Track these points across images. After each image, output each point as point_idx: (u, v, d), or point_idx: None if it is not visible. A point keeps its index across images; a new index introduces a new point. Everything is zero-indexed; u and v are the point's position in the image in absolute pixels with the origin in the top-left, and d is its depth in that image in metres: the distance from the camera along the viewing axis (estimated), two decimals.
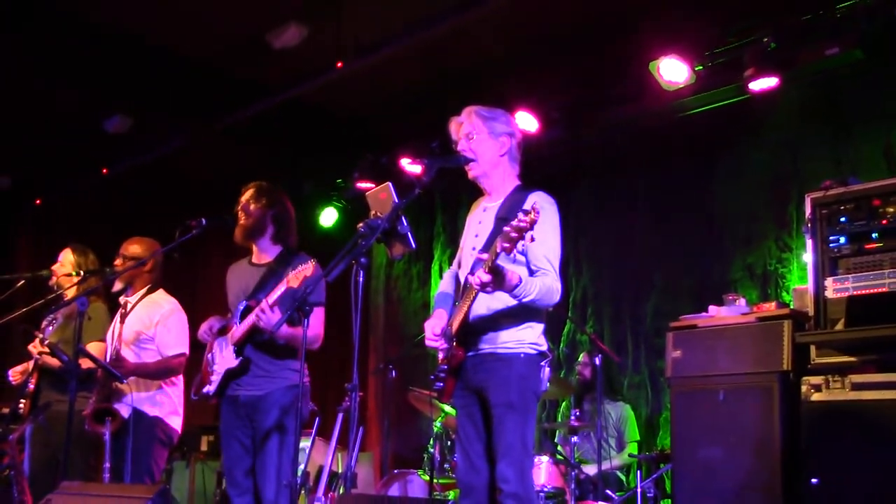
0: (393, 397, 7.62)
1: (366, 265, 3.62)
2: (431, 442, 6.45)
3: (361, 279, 3.59)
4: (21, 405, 5.54)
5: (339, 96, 7.89)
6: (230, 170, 8.64)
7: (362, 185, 8.14)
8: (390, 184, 4.05)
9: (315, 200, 9.19)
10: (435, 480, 6.25)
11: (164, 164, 8.72)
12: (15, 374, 5.66)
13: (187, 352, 5.33)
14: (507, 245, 3.36)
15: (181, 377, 5.40)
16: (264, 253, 4.82)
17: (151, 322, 5.28)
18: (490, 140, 3.94)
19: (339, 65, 7.04)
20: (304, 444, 6.16)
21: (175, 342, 5.28)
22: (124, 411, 5.10)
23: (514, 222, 3.32)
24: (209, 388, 4.64)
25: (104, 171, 8.91)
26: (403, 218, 3.99)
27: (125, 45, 7.23)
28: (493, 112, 3.99)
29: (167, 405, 5.29)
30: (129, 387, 5.07)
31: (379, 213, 3.89)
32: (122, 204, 9.22)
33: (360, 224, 3.76)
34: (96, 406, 5.04)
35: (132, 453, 5.04)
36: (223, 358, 4.63)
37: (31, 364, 5.59)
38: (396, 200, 3.93)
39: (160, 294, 5.45)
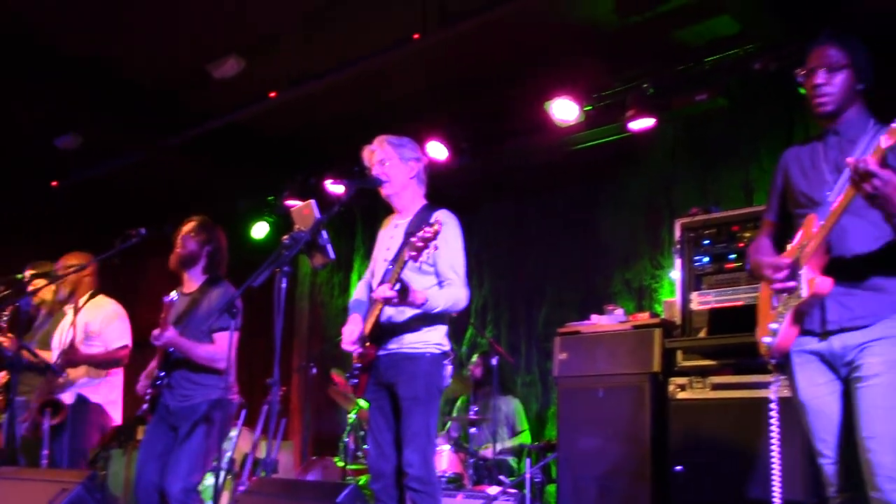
0: (313, 392, 7.53)
1: (289, 273, 3.57)
2: (346, 432, 6.39)
3: (284, 285, 3.55)
4: None
5: (273, 122, 7.78)
6: (172, 186, 8.51)
7: (290, 202, 8.04)
8: (313, 201, 4.02)
9: (248, 215, 9.06)
10: (348, 466, 6.20)
11: (110, 179, 8.48)
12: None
13: (130, 344, 5.32)
14: (413, 253, 3.45)
15: (121, 370, 5.36)
16: (192, 282, 4.67)
17: (97, 321, 5.27)
18: (401, 164, 3.96)
19: (273, 94, 6.97)
20: (231, 433, 6.05)
21: (119, 336, 5.29)
22: (69, 397, 5.06)
23: (420, 233, 3.42)
24: (144, 406, 4.48)
25: (54, 183, 8.63)
26: (324, 231, 3.97)
27: (80, 69, 7.04)
28: (401, 140, 4.01)
29: (108, 394, 5.26)
30: (78, 373, 5.09)
31: (302, 227, 3.85)
32: (69, 215, 8.92)
33: (285, 237, 3.72)
34: (44, 399, 4.96)
35: (72, 436, 4.97)
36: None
37: None
38: (318, 216, 3.90)
39: (102, 297, 5.46)
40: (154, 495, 4.25)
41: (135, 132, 7.88)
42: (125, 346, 5.31)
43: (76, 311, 5.29)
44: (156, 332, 4.30)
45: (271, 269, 3.56)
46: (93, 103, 7.46)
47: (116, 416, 5.34)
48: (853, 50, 2.95)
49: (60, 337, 5.29)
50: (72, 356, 5.05)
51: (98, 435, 5.26)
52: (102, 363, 5.23)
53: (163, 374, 4.43)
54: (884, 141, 2.50)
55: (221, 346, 4.31)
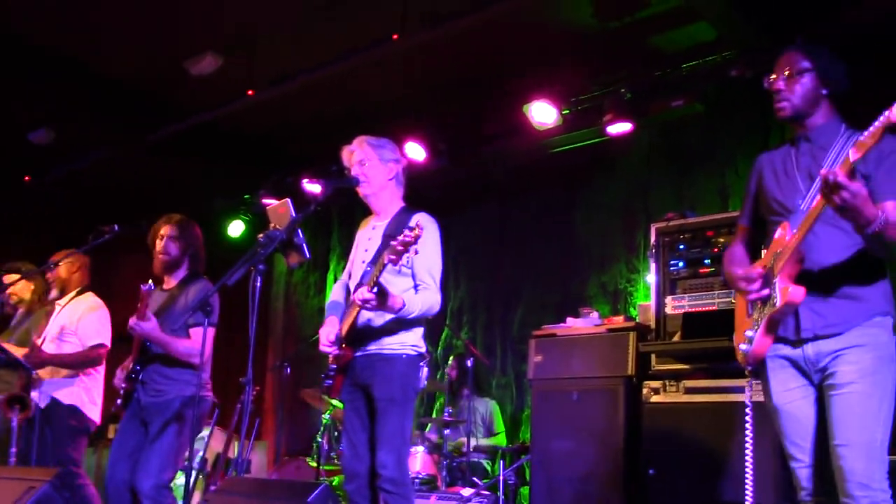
0: (287, 392, 7.49)
1: (263, 271, 3.54)
2: (320, 432, 6.35)
3: (259, 284, 3.51)
4: None
5: (251, 120, 7.75)
6: (147, 183, 8.44)
7: (267, 200, 7.99)
8: (289, 200, 3.99)
9: (224, 213, 9.00)
10: (322, 467, 6.17)
11: (85, 175, 8.40)
12: None
13: (108, 344, 5.20)
14: (393, 257, 3.41)
15: (101, 369, 5.26)
16: (173, 279, 4.64)
17: (74, 317, 5.18)
18: (380, 165, 3.94)
19: (251, 92, 6.92)
20: (204, 432, 6.00)
21: (95, 334, 5.16)
22: (42, 400, 4.99)
23: (401, 237, 3.37)
24: (118, 400, 4.45)
25: (26, 178, 8.54)
26: (300, 231, 3.94)
27: (56, 64, 6.97)
28: (380, 141, 3.99)
29: (83, 394, 5.14)
30: (44, 375, 4.99)
31: (278, 226, 3.82)
32: (42, 211, 8.82)
33: (260, 235, 3.70)
34: (10, 394, 4.88)
35: (53, 442, 4.92)
36: None
37: None
38: (294, 215, 3.88)
39: (88, 294, 5.38)
40: (125, 494, 4.19)
41: (111, 128, 7.81)
42: (101, 346, 5.16)
43: (59, 308, 5.25)
44: (133, 319, 4.22)
45: (246, 268, 3.53)
46: (68, 98, 7.39)
47: (95, 417, 5.21)
48: (817, 55, 3.00)
49: (40, 334, 5.22)
50: (33, 359, 4.93)
51: (81, 438, 5.15)
52: (72, 363, 5.09)
53: (137, 368, 4.38)
54: (852, 154, 2.52)
55: (198, 342, 4.27)
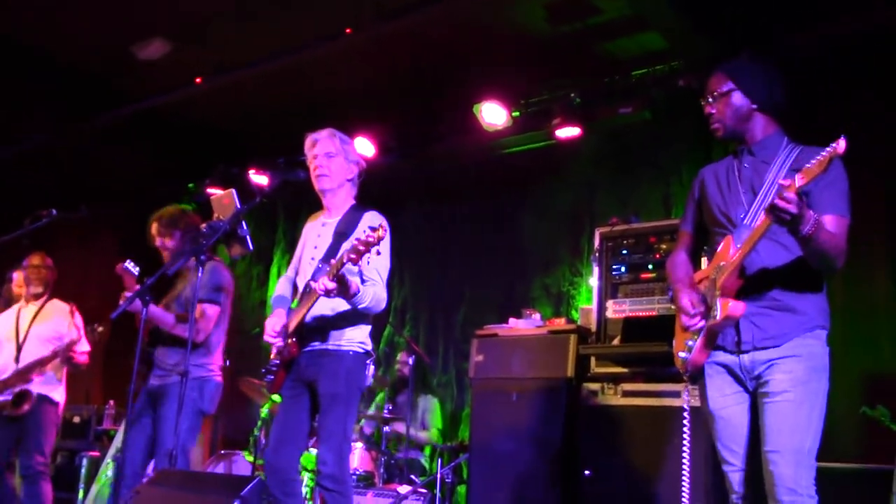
0: (226, 385, 7.39)
1: (205, 262, 3.49)
2: (258, 426, 6.28)
3: (200, 274, 3.46)
4: None
5: (198, 109, 7.66)
6: (91, 168, 8.27)
7: (212, 190, 7.88)
8: (234, 191, 3.95)
9: (167, 201, 8.83)
10: (258, 461, 6.10)
11: (26, 159, 8.20)
12: None
13: (89, 348, 5.46)
14: (354, 256, 3.35)
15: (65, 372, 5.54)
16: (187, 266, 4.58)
17: (63, 324, 5.44)
18: (345, 163, 3.90)
19: (198, 80, 6.84)
20: None
21: (84, 341, 5.41)
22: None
23: (363, 237, 3.32)
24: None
25: None
26: (244, 222, 3.89)
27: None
28: (348, 139, 3.95)
29: (63, 395, 5.47)
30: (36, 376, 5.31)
31: (221, 217, 3.77)
32: None
33: (203, 225, 3.64)
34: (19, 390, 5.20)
35: (34, 430, 5.22)
36: None
37: None
38: (238, 206, 3.83)
39: (57, 301, 5.62)
40: (139, 479, 4.21)
41: (53, 111, 7.64)
42: (87, 352, 5.43)
43: (35, 311, 5.48)
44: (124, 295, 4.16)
45: (188, 258, 3.48)
46: (7, 79, 7.20)
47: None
48: (739, 73, 3.08)
49: (18, 334, 5.43)
50: (26, 374, 5.25)
51: (55, 433, 5.46)
52: (52, 365, 5.35)
53: (149, 349, 4.42)
54: (798, 180, 2.58)
55: (202, 322, 4.26)
